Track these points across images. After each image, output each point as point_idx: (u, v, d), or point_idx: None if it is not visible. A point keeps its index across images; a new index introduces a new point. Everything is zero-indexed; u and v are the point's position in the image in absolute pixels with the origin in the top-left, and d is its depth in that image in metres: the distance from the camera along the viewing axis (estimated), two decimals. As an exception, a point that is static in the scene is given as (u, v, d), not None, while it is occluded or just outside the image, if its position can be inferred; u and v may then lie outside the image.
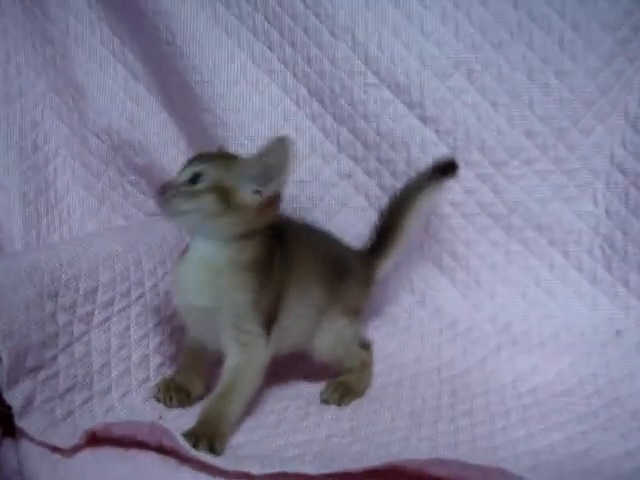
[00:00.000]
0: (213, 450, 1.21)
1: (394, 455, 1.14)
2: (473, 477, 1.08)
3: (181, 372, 1.54)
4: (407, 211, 1.71)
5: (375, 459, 1.11)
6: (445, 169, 1.72)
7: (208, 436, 1.23)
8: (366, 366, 1.66)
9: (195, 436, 1.21)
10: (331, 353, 1.60)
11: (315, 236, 1.64)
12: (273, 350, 1.44)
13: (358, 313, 1.68)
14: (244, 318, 1.39)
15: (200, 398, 1.50)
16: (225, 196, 1.35)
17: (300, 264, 1.51)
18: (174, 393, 1.48)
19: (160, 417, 1.35)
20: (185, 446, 1.14)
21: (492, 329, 1.85)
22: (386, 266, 1.74)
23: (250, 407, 1.47)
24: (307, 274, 1.53)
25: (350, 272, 1.64)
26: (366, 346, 1.69)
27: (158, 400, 1.49)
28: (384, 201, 1.86)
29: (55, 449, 1.18)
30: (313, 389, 1.61)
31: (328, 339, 1.58)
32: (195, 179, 1.36)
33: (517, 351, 1.79)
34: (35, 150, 1.95)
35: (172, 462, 1.15)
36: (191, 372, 1.53)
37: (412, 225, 1.73)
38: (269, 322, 1.42)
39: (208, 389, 1.50)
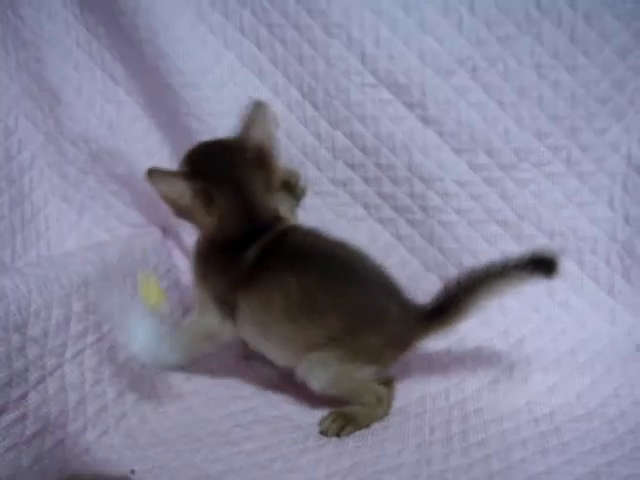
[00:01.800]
0: None
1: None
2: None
3: None
4: (483, 293, 1.49)
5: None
6: (542, 263, 1.48)
7: None
8: (381, 403, 1.51)
9: None
10: (327, 390, 1.47)
11: (335, 272, 1.47)
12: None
13: (379, 363, 1.50)
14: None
15: None
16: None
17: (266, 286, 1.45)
18: None
19: (132, 471, 1.22)
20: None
21: (503, 346, 1.73)
22: (437, 335, 1.55)
23: (242, 442, 1.39)
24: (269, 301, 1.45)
25: (379, 323, 1.47)
26: (388, 382, 1.55)
27: None
28: (384, 210, 1.78)
29: None
30: (314, 419, 1.48)
31: (322, 376, 1.45)
32: None
33: (531, 370, 1.67)
34: (9, 160, 1.83)
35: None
36: None
37: (481, 307, 1.51)
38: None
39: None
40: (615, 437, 1.44)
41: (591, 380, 1.62)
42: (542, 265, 1.46)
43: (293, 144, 1.78)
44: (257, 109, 1.49)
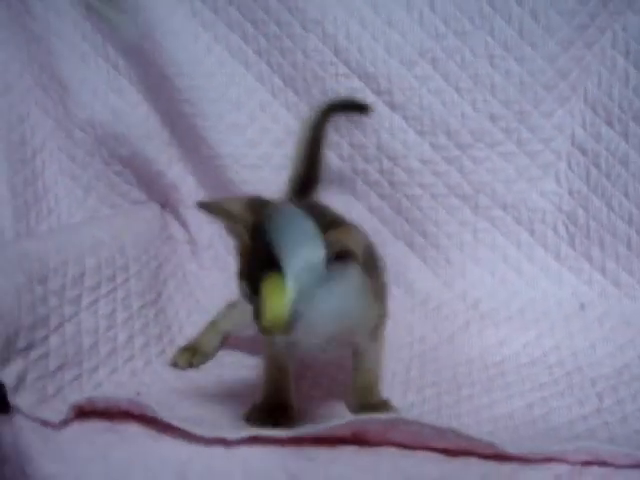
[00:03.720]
0: None
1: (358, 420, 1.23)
2: (430, 438, 1.18)
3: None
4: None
5: (340, 422, 1.20)
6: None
7: None
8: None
9: None
10: None
11: None
12: None
13: None
14: None
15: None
16: None
17: None
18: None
19: (138, 394, 1.44)
20: (162, 416, 1.23)
21: (462, 306, 1.93)
22: None
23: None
24: None
25: None
26: None
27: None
28: (357, 184, 1.97)
29: (46, 423, 1.24)
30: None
31: None
32: None
33: (485, 326, 1.88)
34: (23, 143, 1.98)
35: (153, 431, 1.23)
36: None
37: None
38: None
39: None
40: (552, 379, 1.67)
41: (536, 334, 1.85)
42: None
43: (277, 125, 1.98)
44: None
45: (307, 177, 1.74)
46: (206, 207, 1.28)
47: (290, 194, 1.71)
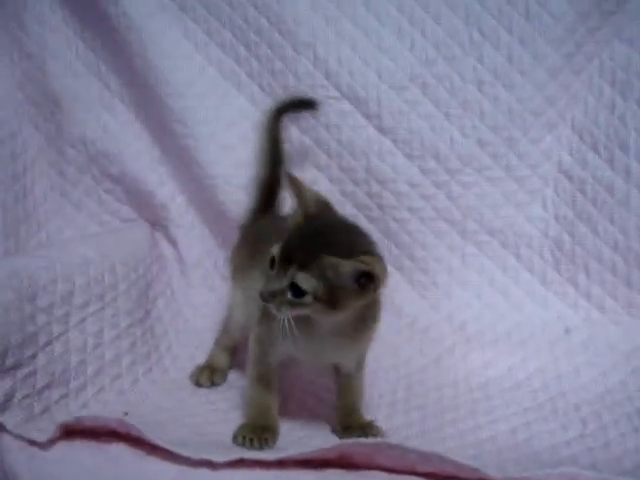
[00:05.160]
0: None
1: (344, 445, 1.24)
2: (415, 462, 1.19)
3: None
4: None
5: (326, 446, 1.22)
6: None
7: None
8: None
9: None
10: None
11: None
12: None
13: None
14: None
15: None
16: (331, 300, 1.32)
17: None
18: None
19: (125, 413, 1.45)
20: (149, 437, 1.24)
21: (448, 328, 1.94)
22: None
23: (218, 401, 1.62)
24: None
25: None
26: None
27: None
28: (346, 206, 1.96)
29: (33, 442, 1.25)
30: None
31: None
32: (299, 293, 1.31)
33: (471, 348, 1.90)
34: (13, 159, 1.97)
35: (140, 452, 1.24)
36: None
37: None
38: None
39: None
40: (536, 403, 1.69)
41: (521, 357, 1.86)
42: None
43: (268, 147, 1.99)
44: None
45: (271, 180, 1.84)
46: (295, 186, 1.42)
47: (257, 197, 1.84)
